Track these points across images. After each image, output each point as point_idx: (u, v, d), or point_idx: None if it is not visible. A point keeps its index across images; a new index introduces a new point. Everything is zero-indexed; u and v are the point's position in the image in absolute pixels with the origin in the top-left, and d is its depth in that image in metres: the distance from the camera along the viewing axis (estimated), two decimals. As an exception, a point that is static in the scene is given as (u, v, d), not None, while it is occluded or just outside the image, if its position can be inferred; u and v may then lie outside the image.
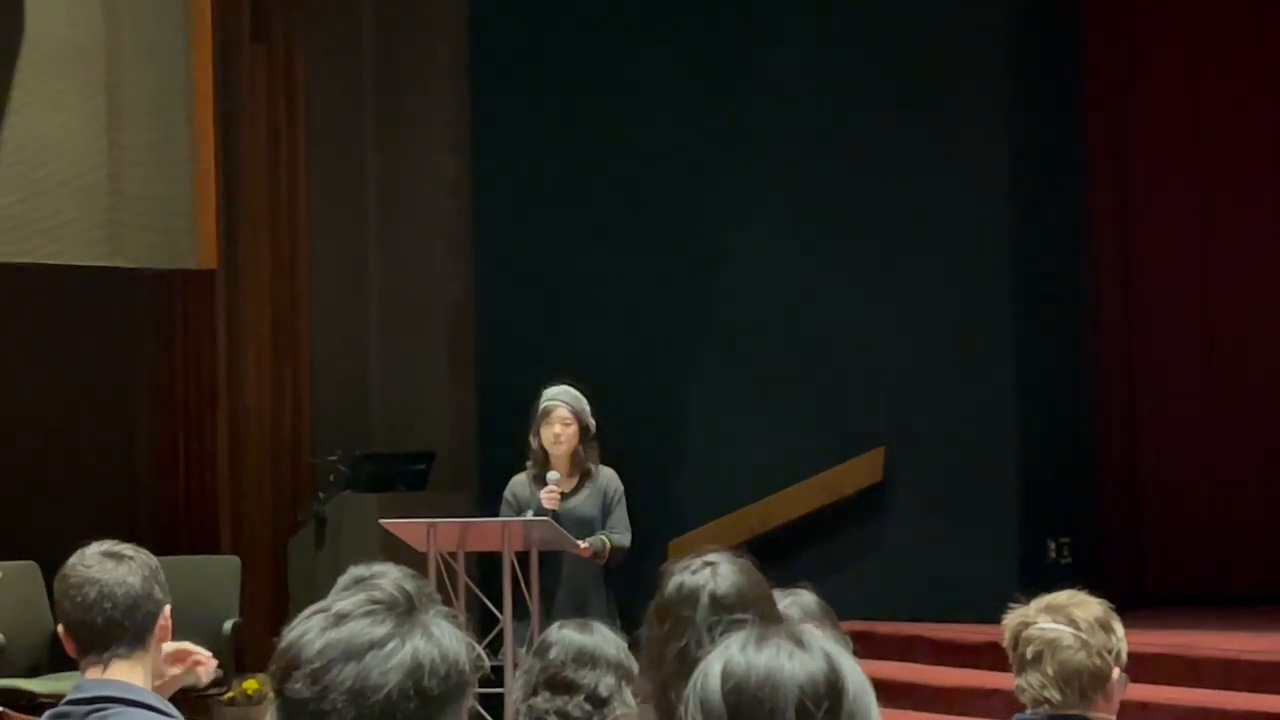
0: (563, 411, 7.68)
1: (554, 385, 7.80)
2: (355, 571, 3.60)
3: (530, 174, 11.14)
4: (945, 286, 9.84)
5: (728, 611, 3.00)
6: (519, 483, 7.84)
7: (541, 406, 7.75)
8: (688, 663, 2.86)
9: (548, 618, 7.17)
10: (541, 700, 3.98)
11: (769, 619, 2.93)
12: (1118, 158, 10.43)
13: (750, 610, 2.98)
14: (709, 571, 3.08)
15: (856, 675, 1.98)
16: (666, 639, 3.05)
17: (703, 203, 10.57)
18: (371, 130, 11.62)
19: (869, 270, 10.03)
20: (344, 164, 11.48)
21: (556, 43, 11.12)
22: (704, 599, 3.04)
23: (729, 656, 1.98)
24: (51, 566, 3.57)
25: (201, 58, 10.12)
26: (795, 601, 3.72)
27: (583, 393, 7.80)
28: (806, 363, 10.19)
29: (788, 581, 3.89)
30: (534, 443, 7.77)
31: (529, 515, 7.61)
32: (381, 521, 7.87)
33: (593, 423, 7.73)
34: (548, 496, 7.60)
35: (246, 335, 10.95)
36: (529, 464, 7.82)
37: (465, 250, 11.50)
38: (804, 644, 1.98)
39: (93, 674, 3.37)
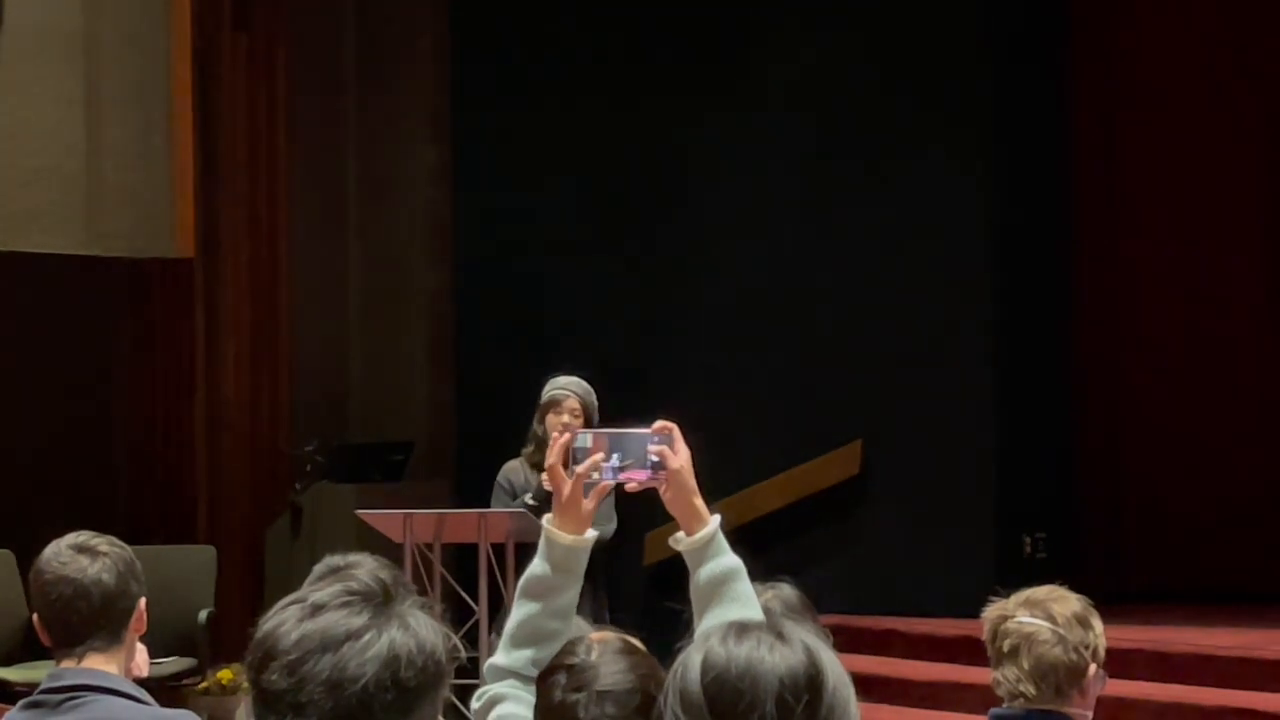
0: (573, 403, 7.65)
1: (562, 375, 7.76)
2: (330, 561, 3.57)
3: (512, 164, 11.12)
4: (925, 281, 9.84)
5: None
6: (513, 468, 7.79)
7: (550, 395, 7.69)
8: None
9: None
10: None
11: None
12: (1104, 153, 10.43)
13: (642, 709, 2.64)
14: (588, 696, 2.68)
15: (836, 669, 1.98)
16: None
17: (684, 195, 10.57)
18: (353, 119, 11.60)
19: (848, 264, 10.02)
20: (325, 152, 11.46)
21: (539, 32, 11.11)
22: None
23: (709, 648, 1.98)
24: (26, 554, 3.56)
25: (181, 46, 10.10)
26: (776, 595, 3.73)
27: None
28: (784, 356, 10.19)
29: (765, 575, 3.89)
30: (537, 429, 7.70)
31: (527, 498, 7.59)
32: (358, 512, 7.85)
33: (597, 417, 7.71)
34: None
35: (225, 324, 10.92)
36: (526, 449, 7.77)
37: (446, 240, 11.48)
38: (784, 637, 1.98)
39: (67, 664, 3.36)
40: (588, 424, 7.65)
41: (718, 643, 1.98)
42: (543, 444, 7.68)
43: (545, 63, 11.03)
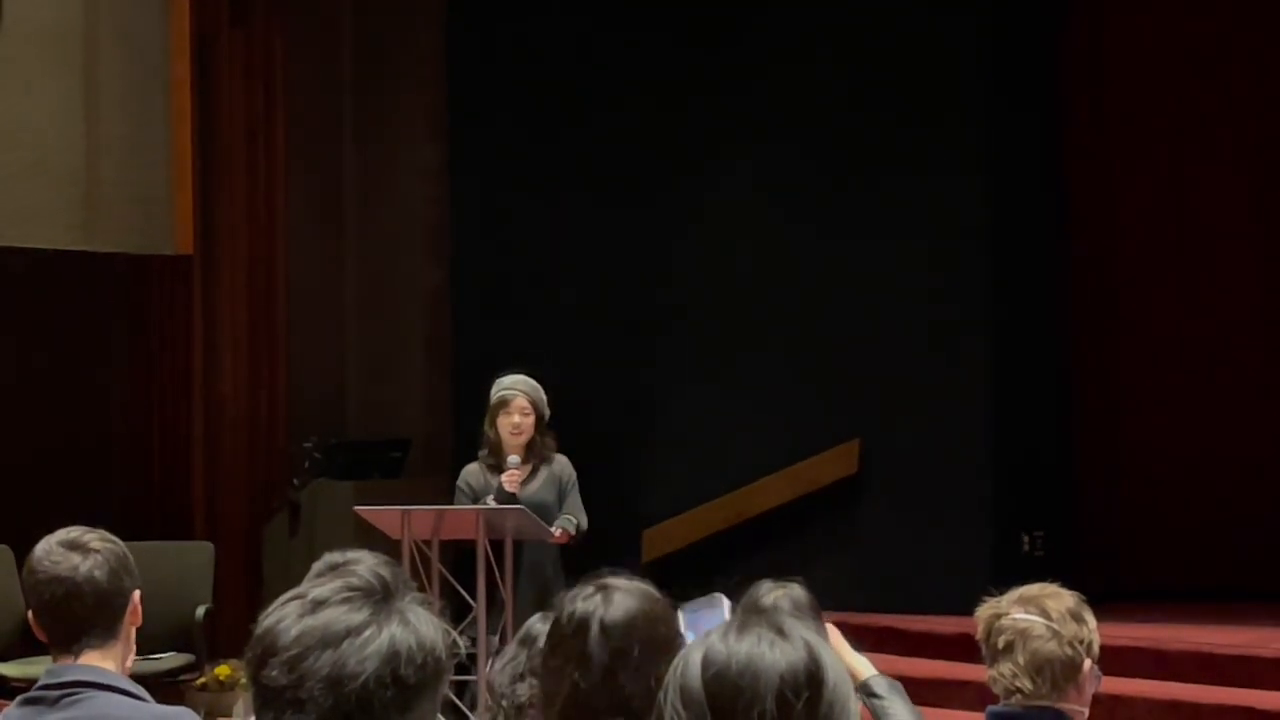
0: (521, 401, 7.76)
1: (508, 374, 7.85)
2: (330, 558, 3.58)
3: (509, 162, 11.11)
4: (922, 279, 9.84)
5: (619, 639, 2.81)
6: (472, 471, 7.93)
7: (499, 396, 7.81)
8: (581, 696, 2.80)
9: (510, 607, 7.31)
10: (526, 687, 3.99)
11: (660, 647, 2.79)
12: (1101, 156, 10.43)
13: (640, 639, 2.80)
14: (600, 598, 2.87)
15: (836, 666, 1.98)
16: (560, 671, 2.87)
17: (682, 193, 10.56)
18: (350, 117, 11.59)
19: (846, 262, 10.02)
20: (322, 150, 11.45)
21: (537, 31, 11.10)
22: (594, 628, 2.85)
23: (710, 644, 1.98)
24: (24, 550, 3.54)
25: (179, 43, 10.11)
26: (786, 594, 3.78)
27: (542, 382, 7.85)
28: (783, 354, 10.19)
29: (763, 572, 3.92)
30: (490, 432, 7.84)
31: (489, 500, 7.66)
32: (356, 509, 7.86)
33: (548, 412, 7.80)
34: (508, 479, 7.66)
35: (223, 321, 10.91)
36: (482, 452, 7.89)
37: (443, 238, 11.48)
38: (785, 633, 1.98)
39: (64, 661, 3.35)
40: (538, 420, 7.76)
41: (718, 639, 1.98)
42: (496, 446, 7.80)
43: (542, 61, 11.03)
